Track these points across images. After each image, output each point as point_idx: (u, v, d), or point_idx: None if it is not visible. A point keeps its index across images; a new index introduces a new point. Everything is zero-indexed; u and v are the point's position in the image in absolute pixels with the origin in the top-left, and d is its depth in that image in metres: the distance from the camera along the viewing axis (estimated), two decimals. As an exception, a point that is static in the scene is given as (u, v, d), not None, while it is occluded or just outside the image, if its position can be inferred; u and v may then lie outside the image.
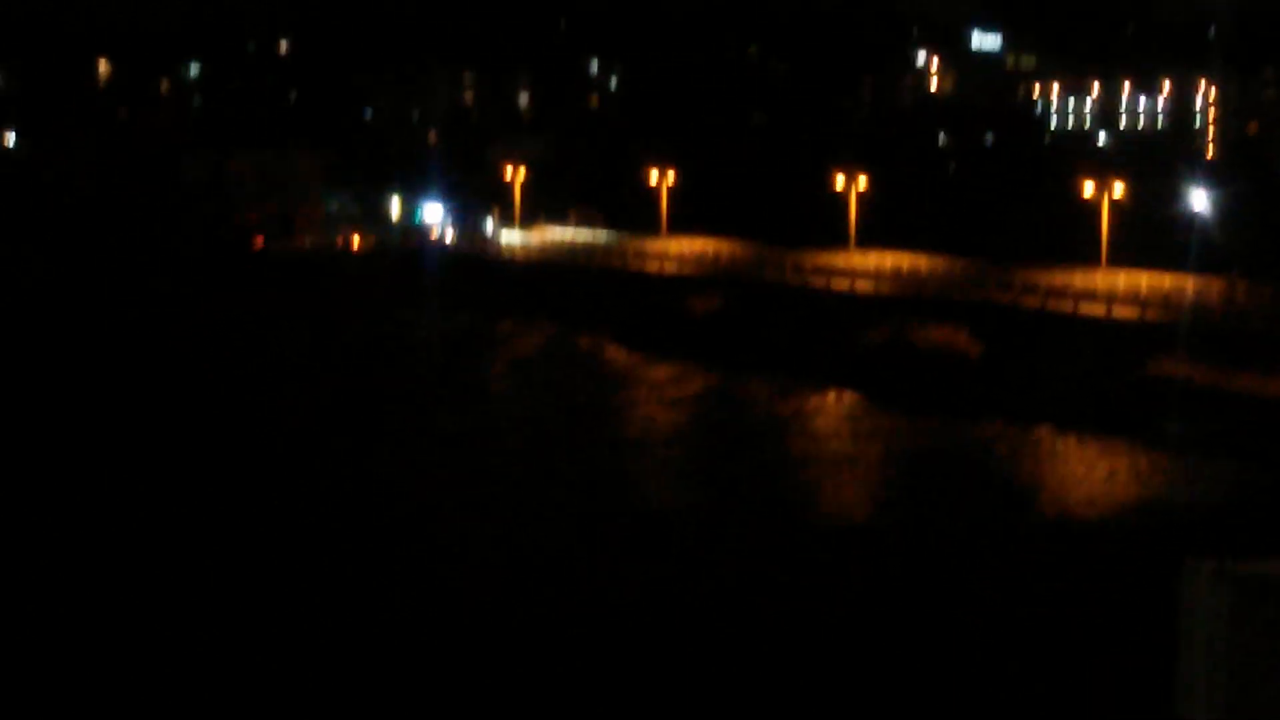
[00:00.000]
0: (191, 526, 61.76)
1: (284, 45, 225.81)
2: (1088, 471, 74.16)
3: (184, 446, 78.48)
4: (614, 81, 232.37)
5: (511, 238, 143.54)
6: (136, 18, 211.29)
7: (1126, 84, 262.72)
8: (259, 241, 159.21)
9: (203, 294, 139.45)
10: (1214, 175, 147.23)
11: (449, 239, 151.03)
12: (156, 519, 62.90)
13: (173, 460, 75.08)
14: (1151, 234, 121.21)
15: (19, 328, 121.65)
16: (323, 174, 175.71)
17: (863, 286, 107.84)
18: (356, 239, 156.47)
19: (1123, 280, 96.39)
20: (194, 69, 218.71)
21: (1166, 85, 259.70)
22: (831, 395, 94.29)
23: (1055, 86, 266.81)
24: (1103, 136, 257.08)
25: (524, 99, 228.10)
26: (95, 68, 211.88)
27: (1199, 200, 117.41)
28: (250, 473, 72.57)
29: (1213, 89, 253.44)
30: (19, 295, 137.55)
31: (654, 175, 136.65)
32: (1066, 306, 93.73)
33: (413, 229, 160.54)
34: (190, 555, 57.55)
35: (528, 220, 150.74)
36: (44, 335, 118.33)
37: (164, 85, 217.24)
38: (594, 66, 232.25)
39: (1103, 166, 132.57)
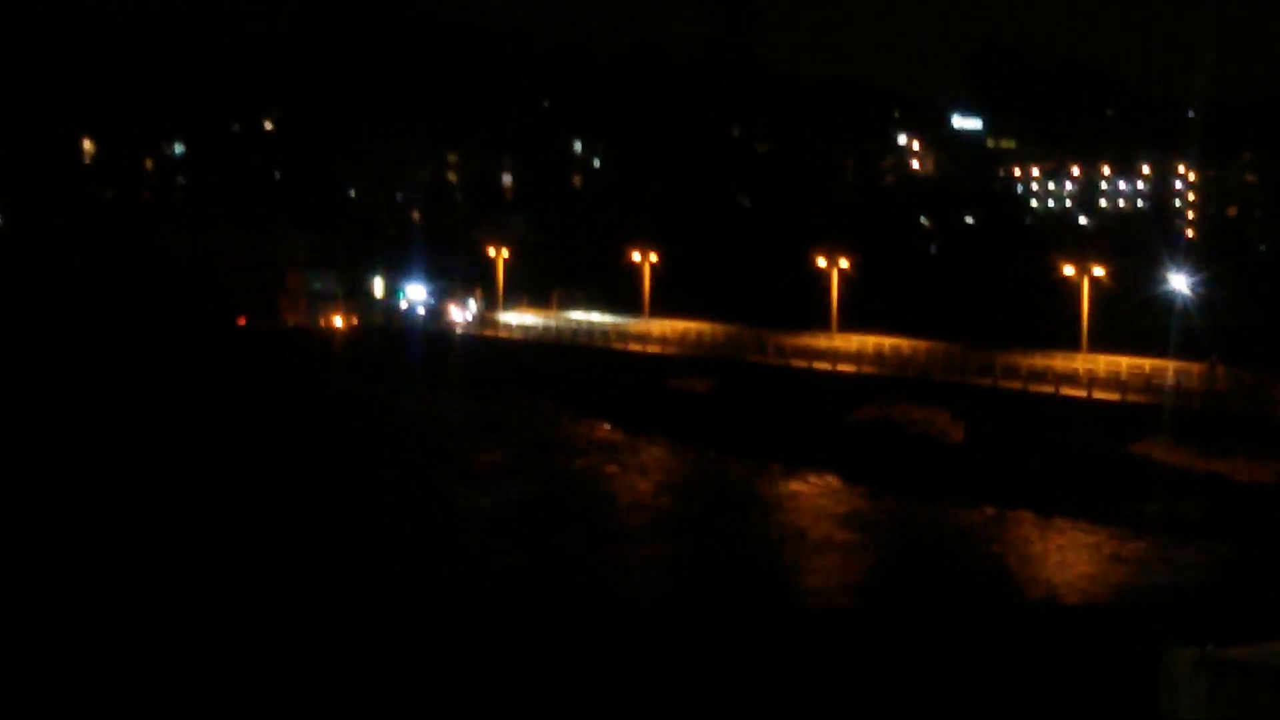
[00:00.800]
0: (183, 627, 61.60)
1: (268, 124, 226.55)
2: (1069, 556, 74.20)
3: (169, 530, 78.30)
4: (597, 161, 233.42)
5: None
6: (121, 96, 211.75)
7: (1106, 167, 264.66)
8: (241, 320, 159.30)
9: (185, 371, 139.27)
10: (1194, 258, 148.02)
11: (460, 319, 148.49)
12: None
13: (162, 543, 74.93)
14: (1132, 316, 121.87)
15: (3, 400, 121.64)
16: (306, 253, 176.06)
17: (845, 368, 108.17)
18: (339, 318, 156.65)
19: (1103, 363, 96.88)
20: (178, 148, 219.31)
21: (1145, 168, 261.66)
22: (813, 477, 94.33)
23: (1035, 169, 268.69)
24: (1083, 218, 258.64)
25: (507, 179, 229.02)
26: (80, 146, 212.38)
27: (1179, 283, 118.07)
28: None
29: (1191, 173, 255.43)
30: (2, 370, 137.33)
31: (637, 256, 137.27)
32: (1048, 389, 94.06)
33: (396, 309, 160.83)
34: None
35: (511, 301, 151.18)
36: (24, 408, 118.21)
37: (148, 164, 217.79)
38: (577, 146, 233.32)
39: (1083, 248, 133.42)
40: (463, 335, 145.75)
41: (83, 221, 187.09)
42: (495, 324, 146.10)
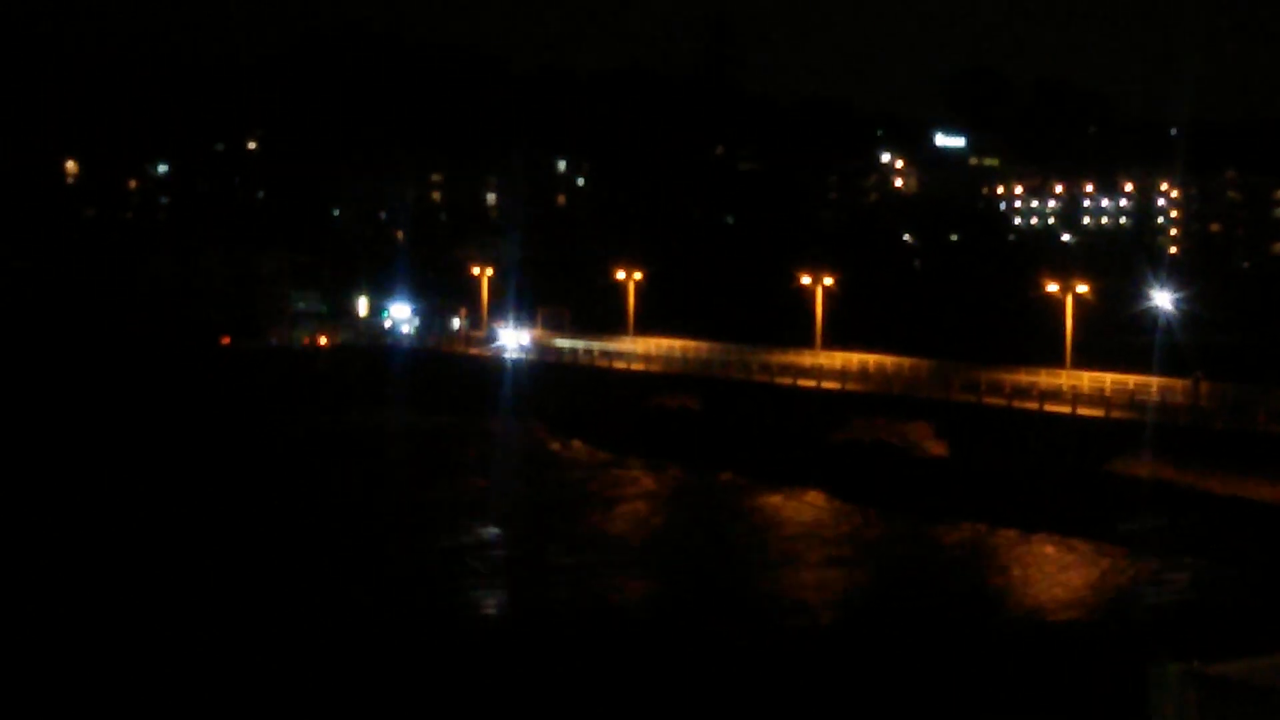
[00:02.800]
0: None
1: (252, 145, 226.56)
2: (1053, 572, 74.23)
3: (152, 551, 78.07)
4: (581, 181, 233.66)
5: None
6: (104, 117, 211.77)
7: (1089, 185, 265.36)
8: (225, 340, 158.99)
9: (168, 391, 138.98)
10: (1177, 274, 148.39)
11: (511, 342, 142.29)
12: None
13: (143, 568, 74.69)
14: (1115, 333, 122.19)
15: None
16: (290, 272, 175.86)
17: (829, 386, 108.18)
18: (323, 338, 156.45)
19: (1087, 379, 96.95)
20: (162, 168, 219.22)
21: (1128, 186, 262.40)
22: (798, 493, 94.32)
23: (1018, 186, 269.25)
24: (1066, 235, 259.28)
25: (491, 198, 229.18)
26: (63, 167, 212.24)
27: (1162, 300, 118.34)
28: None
29: (1174, 190, 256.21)
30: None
31: (621, 274, 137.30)
32: (1031, 405, 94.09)
33: (380, 328, 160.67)
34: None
35: (494, 319, 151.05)
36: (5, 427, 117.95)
37: (132, 184, 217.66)
38: (561, 166, 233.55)
39: (1066, 265, 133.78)
40: (448, 354, 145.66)
41: (66, 241, 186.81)
42: (479, 343, 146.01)
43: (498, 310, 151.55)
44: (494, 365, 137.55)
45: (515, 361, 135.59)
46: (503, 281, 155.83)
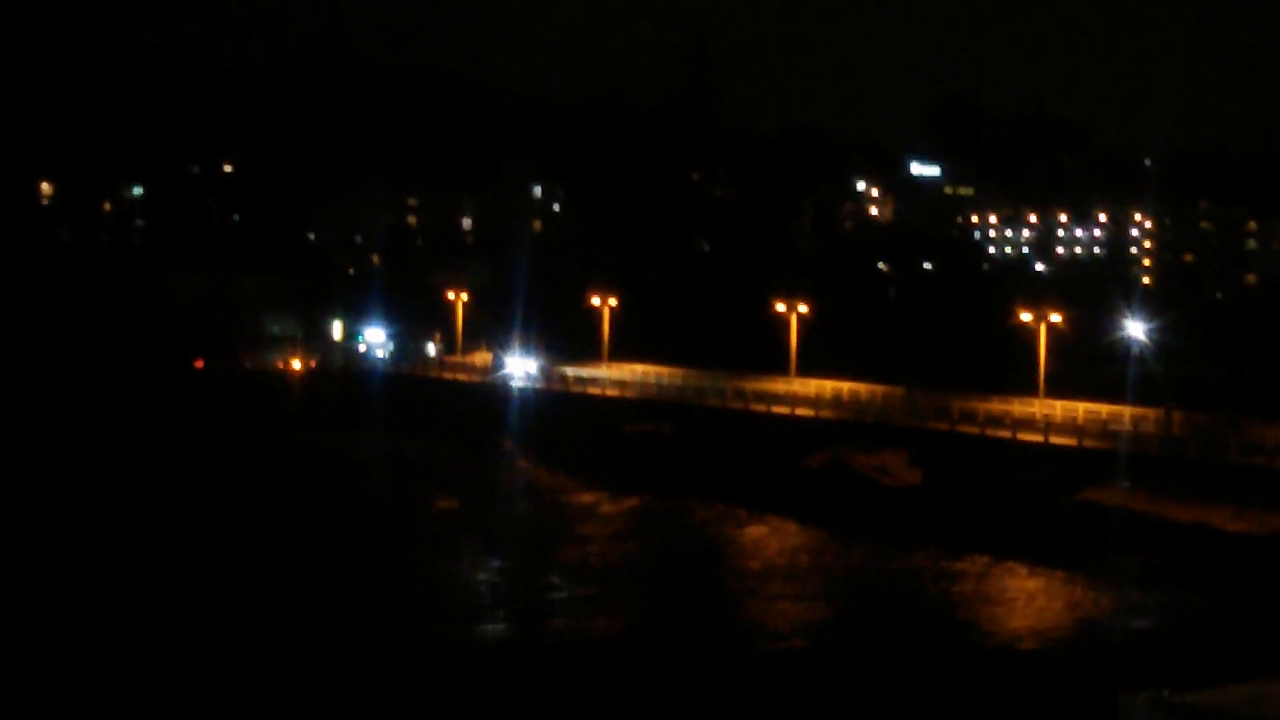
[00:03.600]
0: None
1: (227, 167, 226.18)
2: (1024, 600, 74.35)
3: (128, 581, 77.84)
4: (557, 206, 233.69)
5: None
6: (79, 138, 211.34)
7: (1063, 214, 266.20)
8: (199, 363, 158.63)
9: (141, 413, 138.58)
10: (1150, 305, 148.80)
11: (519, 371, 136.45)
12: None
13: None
14: (1089, 363, 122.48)
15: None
16: (265, 295, 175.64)
17: (803, 413, 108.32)
18: (298, 361, 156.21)
19: (1060, 408, 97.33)
20: (137, 190, 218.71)
21: (1102, 216, 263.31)
22: (772, 521, 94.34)
23: (993, 216, 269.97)
24: (1040, 265, 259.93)
25: (467, 223, 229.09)
26: (37, 189, 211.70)
27: (1135, 330, 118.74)
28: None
29: (1148, 220, 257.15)
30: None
31: (596, 300, 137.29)
32: (1005, 433, 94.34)
33: (355, 351, 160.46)
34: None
35: (470, 345, 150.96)
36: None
37: (106, 206, 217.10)
38: (537, 191, 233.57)
39: (1040, 295, 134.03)
40: (422, 378, 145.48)
41: (39, 263, 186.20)
42: (454, 368, 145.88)
43: (471, 335, 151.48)
44: (469, 390, 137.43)
45: (505, 389, 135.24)
46: (479, 306, 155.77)
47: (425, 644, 64.04)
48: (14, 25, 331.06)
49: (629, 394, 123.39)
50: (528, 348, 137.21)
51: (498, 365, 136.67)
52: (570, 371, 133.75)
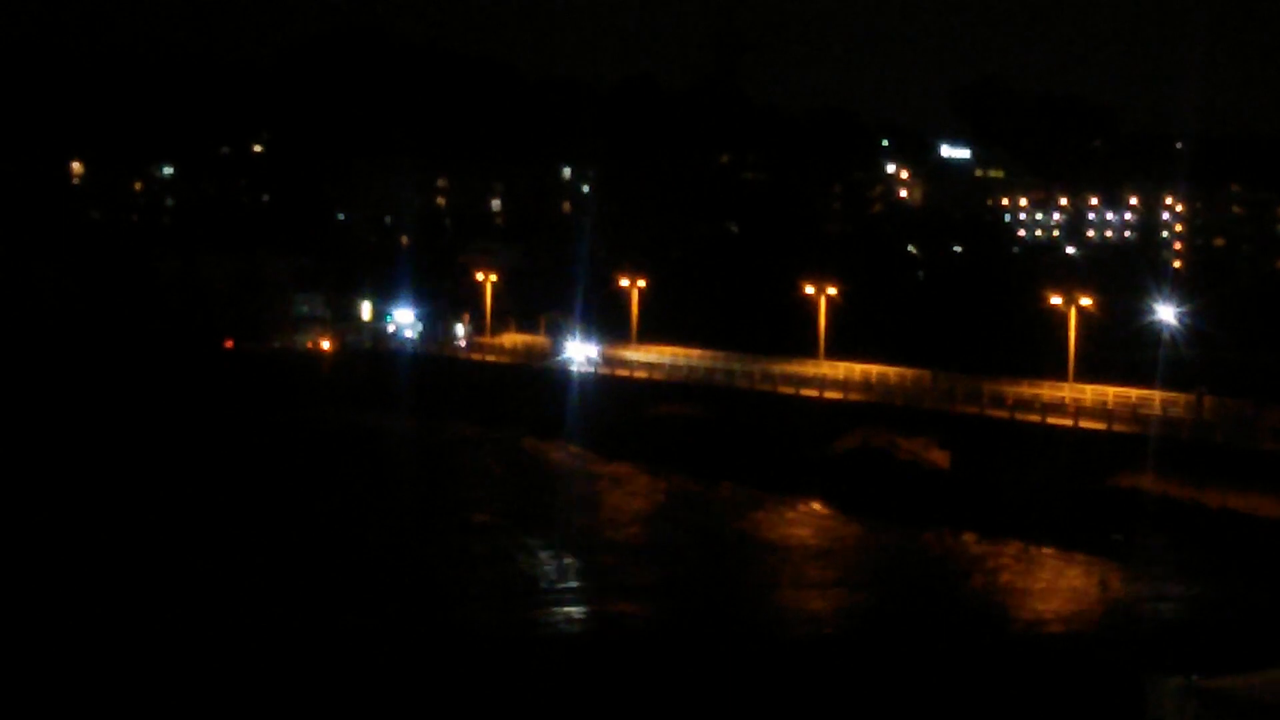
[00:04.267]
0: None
1: (257, 148, 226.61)
2: (1053, 584, 74.26)
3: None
4: (586, 188, 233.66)
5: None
6: (110, 119, 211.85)
7: (1093, 198, 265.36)
8: (229, 343, 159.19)
9: (170, 393, 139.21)
10: (1181, 289, 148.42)
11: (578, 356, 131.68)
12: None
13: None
14: (1119, 347, 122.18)
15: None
16: (294, 276, 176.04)
17: (832, 395, 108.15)
18: (326, 341, 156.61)
19: (1090, 393, 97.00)
20: (167, 170, 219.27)
21: (1133, 199, 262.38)
22: (801, 504, 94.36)
23: (1023, 199, 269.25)
24: (1070, 248, 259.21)
25: (496, 204, 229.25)
26: (68, 168, 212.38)
27: (1166, 314, 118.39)
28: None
29: (1179, 204, 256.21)
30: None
31: (625, 282, 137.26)
32: (1034, 418, 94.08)
33: (384, 332, 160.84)
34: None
35: (498, 326, 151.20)
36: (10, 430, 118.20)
37: (137, 186, 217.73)
38: (566, 173, 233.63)
39: (1070, 278, 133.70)
40: (450, 358, 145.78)
41: (71, 243, 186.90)
42: (483, 348, 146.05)
43: (500, 316, 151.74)
44: (497, 371, 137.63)
45: (513, 368, 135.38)
46: (506, 287, 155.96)
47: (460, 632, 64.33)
48: (45, 7, 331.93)
49: (658, 376, 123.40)
50: (588, 332, 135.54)
51: (557, 350, 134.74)
52: (603, 353, 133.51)
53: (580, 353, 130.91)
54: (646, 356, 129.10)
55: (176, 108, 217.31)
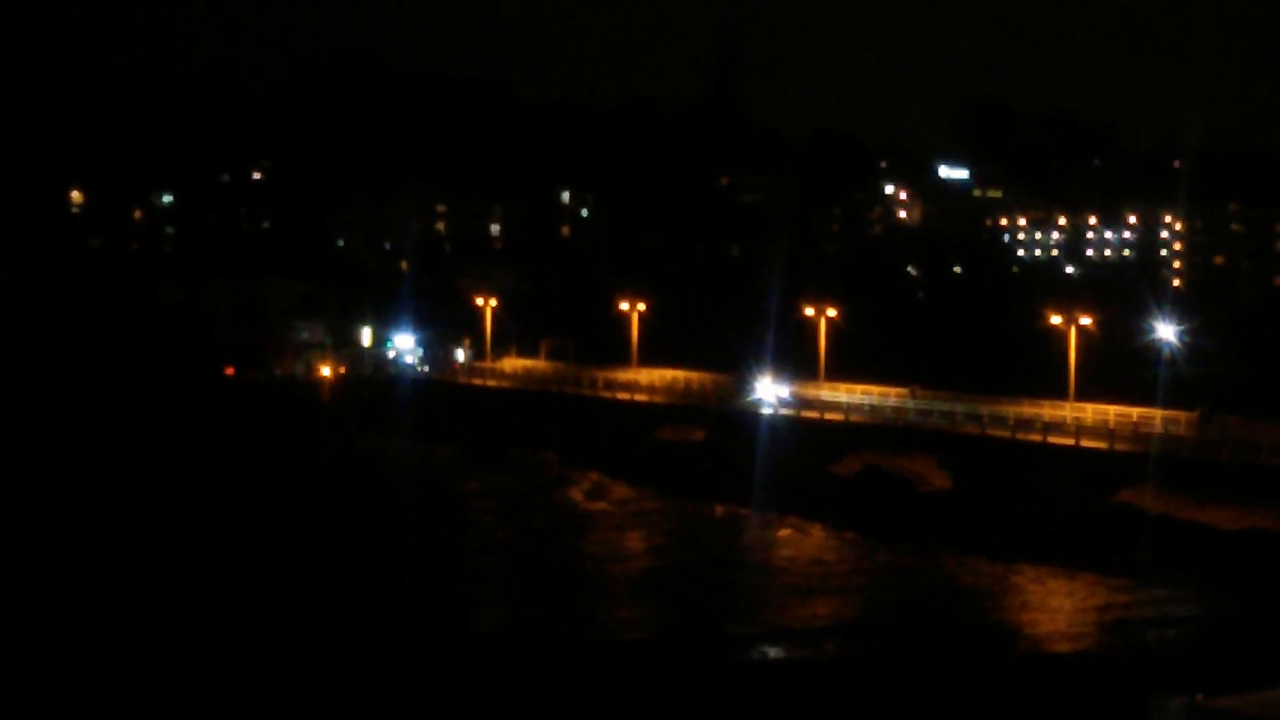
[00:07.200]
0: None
1: (257, 174, 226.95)
2: (1057, 604, 74.14)
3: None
4: (585, 211, 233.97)
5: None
6: (110, 146, 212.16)
7: (1092, 217, 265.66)
8: (230, 370, 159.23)
9: (171, 421, 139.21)
10: (1181, 307, 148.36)
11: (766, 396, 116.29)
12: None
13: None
14: (1120, 366, 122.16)
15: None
16: (295, 302, 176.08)
17: (833, 417, 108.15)
18: (328, 368, 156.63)
19: (1091, 412, 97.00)
20: (167, 198, 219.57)
21: (1132, 218, 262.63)
22: (801, 524, 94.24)
23: (1022, 218, 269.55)
24: (1069, 267, 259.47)
25: (496, 228, 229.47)
26: (68, 196, 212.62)
27: (1166, 332, 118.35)
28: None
29: (1178, 223, 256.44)
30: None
31: (625, 305, 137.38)
32: (1035, 437, 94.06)
33: (385, 358, 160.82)
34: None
35: (499, 350, 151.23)
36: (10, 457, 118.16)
37: (137, 214, 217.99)
38: (565, 197, 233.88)
39: (1070, 297, 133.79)
40: (452, 383, 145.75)
41: (71, 271, 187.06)
42: (484, 373, 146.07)
43: (501, 340, 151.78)
44: (498, 395, 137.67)
45: (516, 393, 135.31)
46: (506, 312, 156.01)
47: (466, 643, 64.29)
48: (46, 34, 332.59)
49: (658, 399, 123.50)
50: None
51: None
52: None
53: (770, 392, 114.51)
54: (647, 379, 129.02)
55: (176, 135, 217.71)
